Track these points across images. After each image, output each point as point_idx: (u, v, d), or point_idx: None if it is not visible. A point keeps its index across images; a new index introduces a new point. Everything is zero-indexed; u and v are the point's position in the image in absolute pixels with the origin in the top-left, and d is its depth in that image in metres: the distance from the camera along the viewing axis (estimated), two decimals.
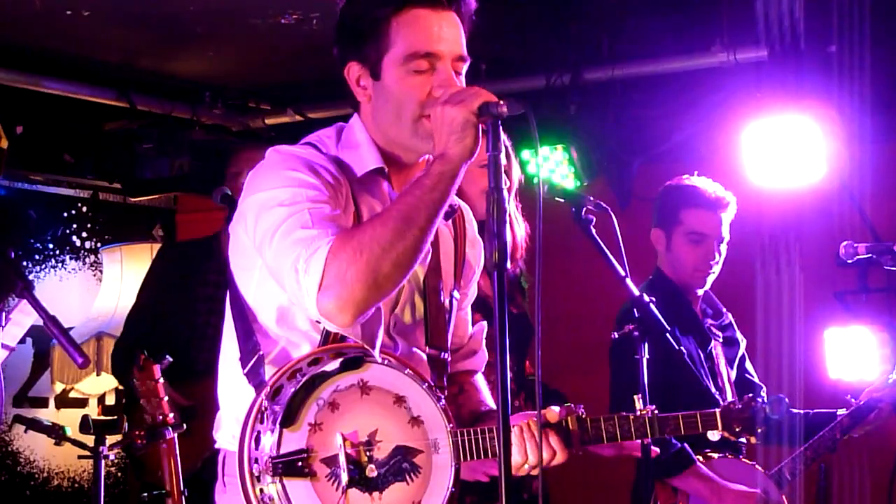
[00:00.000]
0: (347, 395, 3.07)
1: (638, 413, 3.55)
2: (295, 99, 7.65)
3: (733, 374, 5.44)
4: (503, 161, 2.92)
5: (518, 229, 4.83)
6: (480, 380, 3.56)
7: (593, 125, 6.92)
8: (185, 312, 5.89)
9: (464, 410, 3.38)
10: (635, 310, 4.37)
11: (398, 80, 3.13)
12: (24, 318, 4.34)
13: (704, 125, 6.64)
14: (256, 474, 2.99)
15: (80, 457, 5.15)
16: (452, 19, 3.16)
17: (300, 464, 2.99)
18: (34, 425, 5.28)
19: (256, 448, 3.00)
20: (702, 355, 5.27)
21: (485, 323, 3.55)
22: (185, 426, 5.00)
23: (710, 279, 5.40)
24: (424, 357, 3.28)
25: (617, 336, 4.43)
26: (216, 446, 3.26)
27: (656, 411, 3.59)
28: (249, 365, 3.11)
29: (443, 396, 3.21)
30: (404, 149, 3.20)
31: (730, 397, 5.26)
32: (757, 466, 5.25)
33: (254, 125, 7.87)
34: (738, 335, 5.55)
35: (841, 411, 5.32)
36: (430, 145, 3.09)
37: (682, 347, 5.09)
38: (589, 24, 6.43)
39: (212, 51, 6.96)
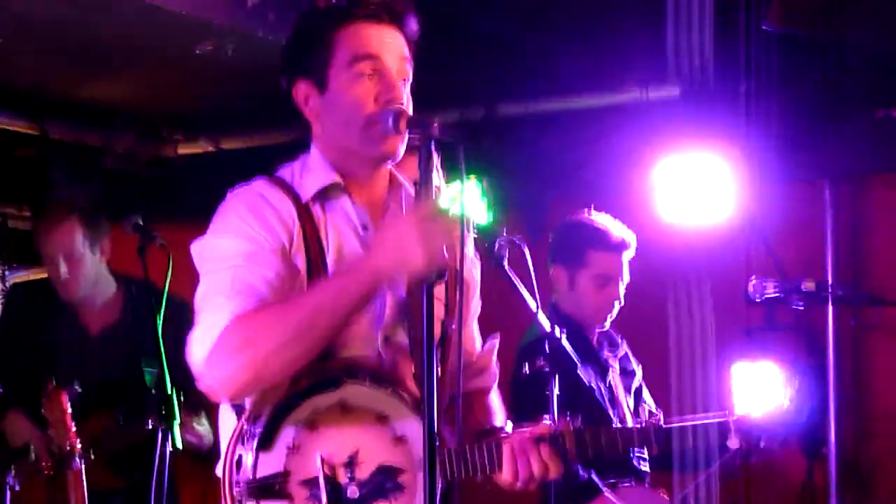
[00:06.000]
0: (327, 416, 3.05)
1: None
2: (208, 128, 7.61)
3: (631, 402, 5.47)
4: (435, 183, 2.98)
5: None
6: (493, 398, 3.54)
7: (506, 160, 6.93)
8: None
9: (469, 432, 3.34)
10: (546, 345, 4.39)
11: (345, 86, 3.17)
12: None
13: (617, 161, 6.68)
14: (238, 498, 2.98)
15: None
16: (394, 34, 3.25)
17: (277, 487, 2.97)
18: None
19: (238, 471, 3.00)
20: (602, 387, 5.28)
21: (496, 340, 3.54)
22: (92, 457, 4.95)
23: (611, 318, 5.41)
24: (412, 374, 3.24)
25: (528, 372, 4.43)
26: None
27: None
28: None
29: None
30: (357, 157, 3.23)
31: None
32: (663, 493, 5.28)
33: (166, 154, 7.82)
34: (634, 364, 5.57)
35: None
36: (381, 150, 3.17)
37: (592, 384, 5.13)
38: (503, 59, 6.46)
39: (125, 78, 6.90)
